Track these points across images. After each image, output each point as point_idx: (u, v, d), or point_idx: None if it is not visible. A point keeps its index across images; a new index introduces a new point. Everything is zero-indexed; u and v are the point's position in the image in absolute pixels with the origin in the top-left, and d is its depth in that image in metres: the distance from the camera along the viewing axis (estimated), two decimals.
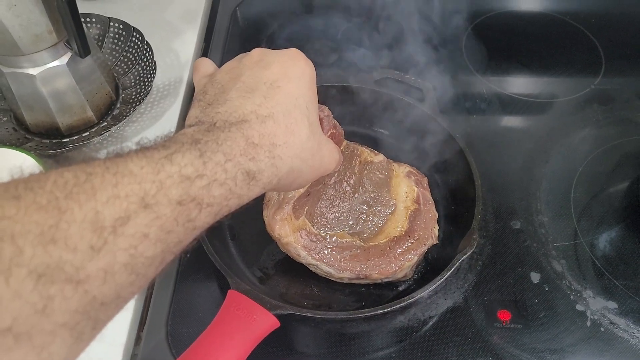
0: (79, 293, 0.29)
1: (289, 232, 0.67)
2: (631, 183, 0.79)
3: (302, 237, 0.66)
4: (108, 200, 0.31)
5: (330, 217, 0.68)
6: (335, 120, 0.63)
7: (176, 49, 0.92)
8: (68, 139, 0.78)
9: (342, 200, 0.69)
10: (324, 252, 0.66)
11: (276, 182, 0.43)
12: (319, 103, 0.51)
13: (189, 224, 0.35)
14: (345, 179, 0.70)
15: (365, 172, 0.72)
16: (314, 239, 0.67)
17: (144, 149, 0.35)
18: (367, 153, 0.73)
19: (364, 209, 0.69)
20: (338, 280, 0.68)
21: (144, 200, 0.32)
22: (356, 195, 0.70)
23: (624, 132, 0.85)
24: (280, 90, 0.45)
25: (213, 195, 0.36)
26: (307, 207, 0.68)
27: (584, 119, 0.87)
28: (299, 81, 0.47)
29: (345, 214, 0.69)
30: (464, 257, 0.63)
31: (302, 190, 0.68)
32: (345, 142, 0.70)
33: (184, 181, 0.34)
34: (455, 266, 0.62)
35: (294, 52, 0.49)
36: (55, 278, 0.28)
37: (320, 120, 0.54)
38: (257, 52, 0.49)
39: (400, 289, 0.69)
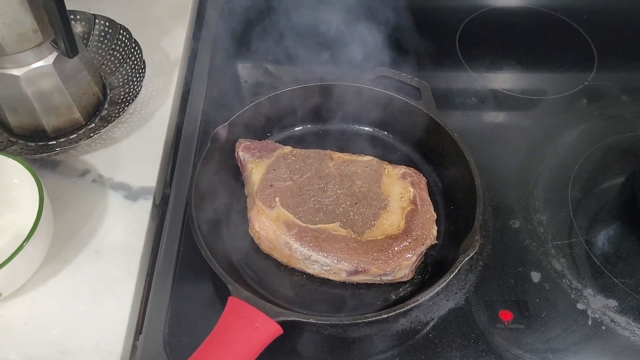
0: None
1: (266, 223, 0.67)
2: (626, 180, 0.79)
3: (289, 229, 0.66)
4: None
5: (312, 209, 0.69)
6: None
7: (165, 46, 0.89)
8: (55, 142, 0.75)
9: (321, 193, 0.70)
10: (317, 241, 0.66)
11: None
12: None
13: None
14: (318, 174, 0.72)
15: (347, 168, 0.73)
16: (304, 230, 0.67)
17: None
18: (339, 154, 0.75)
19: (351, 201, 0.70)
20: (336, 279, 0.67)
21: None
22: (338, 190, 0.71)
23: (618, 128, 0.85)
24: None
25: None
26: (278, 198, 0.69)
27: (579, 115, 0.87)
28: None
29: (330, 206, 0.69)
30: (466, 259, 0.62)
31: (257, 183, 0.70)
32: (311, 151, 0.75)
33: None
34: (458, 268, 0.62)
35: None
36: None
37: None
38: None
39: (401, 290, 0.68)
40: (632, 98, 0.90)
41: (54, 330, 0.62)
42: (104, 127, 0.74)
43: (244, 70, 0.92)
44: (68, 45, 0.64)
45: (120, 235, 0.69)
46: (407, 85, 0.80)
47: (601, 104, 0.88)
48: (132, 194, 0.73)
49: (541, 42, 0.98)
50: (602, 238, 0.73)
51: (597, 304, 0.67)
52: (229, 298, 0.59)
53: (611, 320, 0.66)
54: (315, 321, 0.60)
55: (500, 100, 0.89)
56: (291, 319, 0.58)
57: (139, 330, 0.65)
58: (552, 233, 0.73)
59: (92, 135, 0.74)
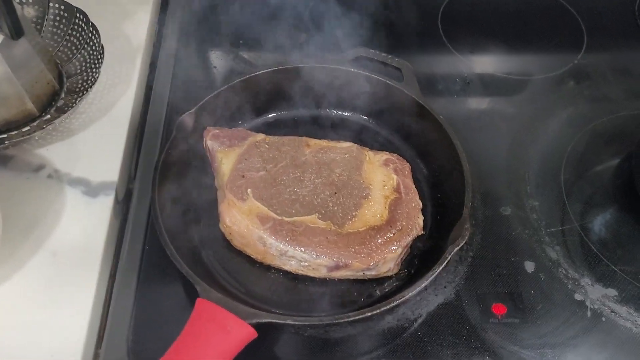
0: None
1: (238, 216, 0.62)
2: (621, 161, 0.75)
3: (262, 222, 0.62)
4: None
5: (288, 200, 0.64)
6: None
7: (126, 31, 0.83)
8: (5, 135, 0.69)
9: (297, 183, 0.66)
10: (294, 235, 0.61)
11: None
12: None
13: None
14: (294, 162, 0.67)
15: (325, 155, 0.68)
16: (279, 223, 0.62)
17: None
18: (316, 141, 0.70)
19: (330, 191, 0.65)
20: (315, 275, 0.63)
21: None
22: (316, 179, 0.66)
23: (609, 109, 0.82)
24: None
25: None
26: (250, 190, 0.64)
27: (569, 96, 0.83)
28: None
29: (307, 197, 0.64)
30: (455, 249, 0.58)
31: (228, 174, 0.65)
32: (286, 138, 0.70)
33: None
34: (447, 260, 0.57)
35: None
36: None
37: None
38: None
39: (387, 285, 0.64)
40: (622, 77, 0.86)
41: (6, 340, 0.57)
42: (59, 117, 0.68)
43: (214, 56, 0.87)
44: (11, 25, 0.58)
45: (79, 235, 0.64)
46: (388, 67, 0.75)
47: (591, 83, 0.85)
48: (92, 190, 0.67)
49: (528, 20, 0.95)
50: (598, 223, 0.69)
51: (595, 294, 0.63)
52: (197, 300, 0.54)
53: (611, 311, 0.62)
54: (293, 322, 0.55)
55: (487, 82, 0.85)
56: (266, 320, 0.53)
57: (100, 338, 0.60)
58: (545, 220, 0.69)
59: (45, 126, 0.68)
